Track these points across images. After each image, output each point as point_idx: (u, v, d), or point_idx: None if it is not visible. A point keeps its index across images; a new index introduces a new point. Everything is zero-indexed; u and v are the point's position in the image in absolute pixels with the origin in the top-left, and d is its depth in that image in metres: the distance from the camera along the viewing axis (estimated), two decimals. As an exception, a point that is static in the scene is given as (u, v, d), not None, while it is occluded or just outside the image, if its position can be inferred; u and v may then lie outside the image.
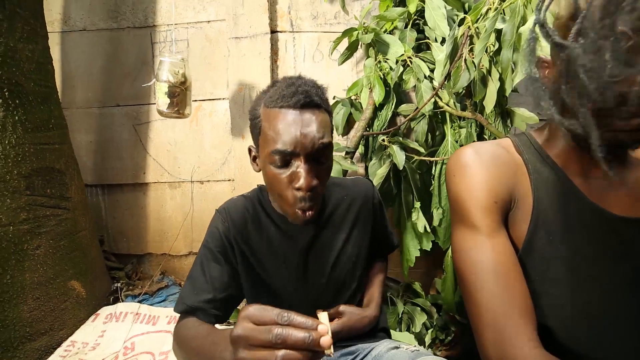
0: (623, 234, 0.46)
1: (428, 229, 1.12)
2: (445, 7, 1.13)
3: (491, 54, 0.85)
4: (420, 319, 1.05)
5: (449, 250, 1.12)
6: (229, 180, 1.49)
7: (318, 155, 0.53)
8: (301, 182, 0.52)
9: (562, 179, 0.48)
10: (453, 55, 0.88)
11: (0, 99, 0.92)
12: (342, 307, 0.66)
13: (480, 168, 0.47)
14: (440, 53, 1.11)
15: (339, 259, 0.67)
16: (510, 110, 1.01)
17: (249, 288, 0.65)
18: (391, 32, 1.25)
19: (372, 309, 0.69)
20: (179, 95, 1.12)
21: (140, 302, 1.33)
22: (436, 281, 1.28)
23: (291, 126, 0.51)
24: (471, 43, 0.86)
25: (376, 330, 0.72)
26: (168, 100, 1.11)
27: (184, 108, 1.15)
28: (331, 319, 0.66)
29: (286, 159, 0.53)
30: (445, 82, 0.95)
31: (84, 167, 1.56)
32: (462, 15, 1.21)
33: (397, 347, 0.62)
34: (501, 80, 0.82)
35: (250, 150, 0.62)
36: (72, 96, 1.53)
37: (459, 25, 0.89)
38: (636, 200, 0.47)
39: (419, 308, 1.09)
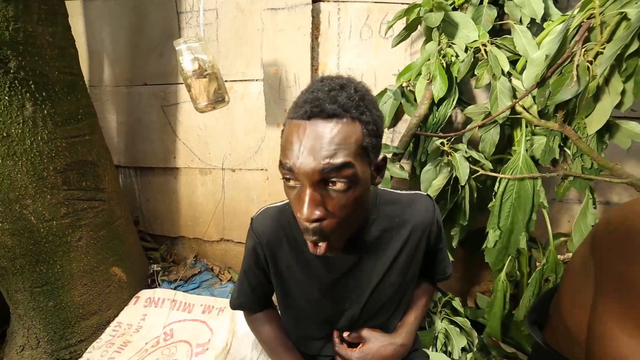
0: None
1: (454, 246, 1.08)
2: (542, -24, 0.87)
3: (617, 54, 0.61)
4: (460, 342, 0.99)
5: (501, 274, 1.01)
6: (262, 169, 1.42)
7: (328, 178, 0.42)
8: (302, 211, 0.43)
9: None
10: (558, 55, 0.67)
11: (28, 93, 0.85)
12: (364, 332, 0.60)
13: None
14: (526, 40, 0.88)
15: (379, 286, 0.59)
16: (613, 122, 0.80)
17: (281, 300, 0.66)
18: (460, 8, 1.00)
19: (402, 337, 0.60)
20: (195, 86, 0.95)
21: (175, 288, 1.37)
22: (477, 295, 1.20)
23: (293, 141, 0.42)
24: (587, 40, 0.64)
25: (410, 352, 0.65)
26: (188, 94, 0.98)
27: (205, 99, 0.96)
28: (352, 345, 0.60)
29: (292, 176, 0.44)
30: (536, 88, 0.75)
31: (116, 148, 1.53)
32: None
33: None
34: (622, 92, 0.61)
35: None
36: (100, 74, 1.45)
37: (580, 11, 0.65)
38: None
39: (457, 329, 1.02)
